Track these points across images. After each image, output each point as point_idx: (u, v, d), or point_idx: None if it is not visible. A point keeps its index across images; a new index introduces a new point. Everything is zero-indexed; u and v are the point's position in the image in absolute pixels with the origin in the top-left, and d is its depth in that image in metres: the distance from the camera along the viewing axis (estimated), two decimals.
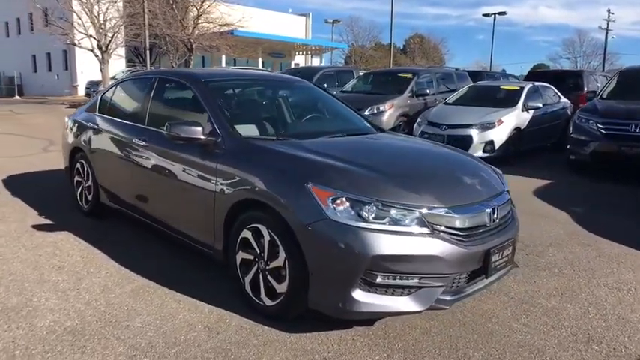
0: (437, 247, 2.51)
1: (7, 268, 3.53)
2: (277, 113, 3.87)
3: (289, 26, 42.64)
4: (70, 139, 4.98)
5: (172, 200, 3.57)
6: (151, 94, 3.97)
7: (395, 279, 2.50)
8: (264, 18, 39.50)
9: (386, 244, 2.44)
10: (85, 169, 4.70)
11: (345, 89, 11.66)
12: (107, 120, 4.40)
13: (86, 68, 30.40)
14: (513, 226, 2.98)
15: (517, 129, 8.62)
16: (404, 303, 2.53)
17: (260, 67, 33.74)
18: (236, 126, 3.32)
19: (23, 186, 6.15)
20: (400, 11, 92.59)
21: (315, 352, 2.55)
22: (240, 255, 2.97)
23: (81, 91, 29.96)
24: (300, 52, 43.32)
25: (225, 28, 23.65)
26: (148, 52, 21.53)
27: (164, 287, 3.26)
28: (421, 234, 2.52)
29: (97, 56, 21.31)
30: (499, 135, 8.29)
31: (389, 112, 10.02)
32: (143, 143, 3.75)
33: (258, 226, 2.81)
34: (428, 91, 10.75)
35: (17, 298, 3.07)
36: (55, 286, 3.27)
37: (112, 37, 21.10)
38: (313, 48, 42.83)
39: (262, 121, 3.56)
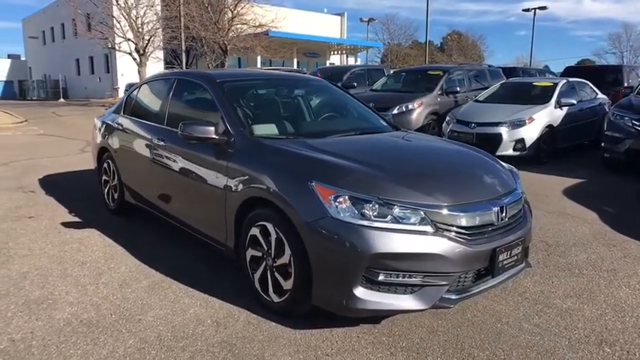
0: (440, 245, 2.49)
1: (33, 263, 3.72)
2: (291, 112, 3.90)
3: (324, 26, 42.75)
4: (98, 139, 5.18)
5: (188, 198, 3.67)
6: (170, 95, 4.09)
7: (397, 277, 2.49)
8: (299, 18, 39.79)
9: (388, 242, 2.44)
10: (111, 168, 4.89)
11: (374, 88, 11.62)
12: (130, 120, 4.56)
13: (126, 71, 31.44)
14: (524, 225, 2.91)
15: (550, 126, 8.35)
16: (407, 301, 2.52)
17: (295, 67, 34.01)
18: (249, 125, 3.38)
19: (57, 185, 6.44)
20: (439, 8, 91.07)
21: (318, 348, 2.57)
22: (250, 252, 3.02)
23: (121, 94, 31.05)
24: (336, 52, 43.36)
25: (259, 30, 23.92)
26: (184, 54, 22.04)
27: (179, 283, 3.36)
28: (424, 232, 2.49)
29: (134, 59, 22.02)
30: (530, 133, 8.06)
31: (418, 110, 9.91)
32: (162, 143, 3.87)
33: (265, 223, 2.86)
34: (458, 88, 10.54)
35: (40, 292, 3.23)
36: (77, 280, 3.42)
37: (148, 40, 21.73)
38: (348, 47, 42.76)
39: (275, 121, 3.60)
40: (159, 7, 23.25)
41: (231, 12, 22.81)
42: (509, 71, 13.70)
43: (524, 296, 3.21)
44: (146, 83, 4.72)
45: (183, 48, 21.91)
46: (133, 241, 4.21)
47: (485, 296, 3.16)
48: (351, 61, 43.23)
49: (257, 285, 2.99)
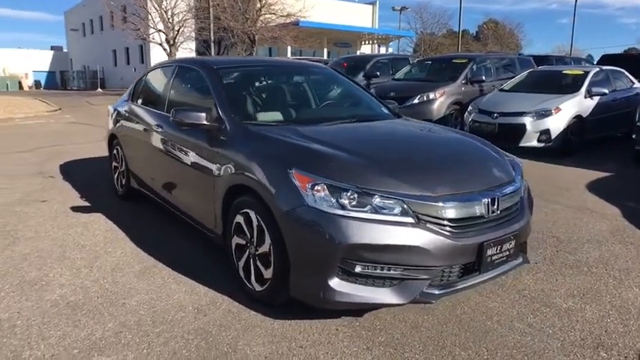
0: (421, 237, 2.37)
1: (36, 245, 3.80)
2: (287, 100, 3.82)
3: (355, 15, 42.30)
4: (109, 126, 5.26)
5: (182, 184, 3.66)
6: (171, 82, 4.09)
7: (375, 269, 2.40)
8: (330, 8, 39.46)
9: (365, 232, 2.34)
10: (120, 154, 4.95)
11: (397, 77, 11.38)
12: (135, 107, 4.59)
13: (160, 61, 32.02)
14: (520, 219, 2.75)
15: (578, 117, 7.97)
16: (385, 295, 2.42)
17: (325, 57, 33.80)
18: (241, 112, 3.33)
19: (75, 171, 6.60)
20: None
21: (293, 339, 2.51)
22: (235, 240, 2.99)
23: None
24: (366, 42, 42.85)
25: (287, 20, 23.84)
26: (212, 44, 22.24)
27: (170, 269, 3.36)
28: (404, 223, 2.38)
29: (165, 50, 22.37)
30: (556, 123, 7.71)
31: (440, 100, 9.65)
32: (160, 129, 3.88)
33: (248, 211, 2.81)
34: (484, 77, 10.19)
35: (36, 273, 3.29)
36: (73, 263, 3.47)
37: (178, 31, 22.02)
38: (379, 37, 42.19)
39: (269, 108, 3.54)
40: None
41: (260, 2, 22.79)
42: (541, 59, 13.15)
43: (523, 294, 3.05)
44: (151, 71, 4.73)
45: (212, 38, 22.11)
46: (135, 226, 4.25)
47: (479, 292, 3.03)
48: (382, 51, 42.63)
49: (241, 273, 2.95)
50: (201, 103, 3.61)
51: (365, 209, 2.39)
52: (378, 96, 10.54)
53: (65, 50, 52.71)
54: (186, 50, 29.41)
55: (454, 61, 11.00)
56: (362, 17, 43.26)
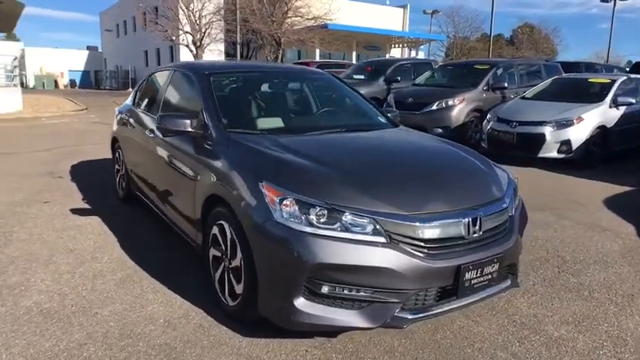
0: (392, 259, 2.24)
1: (26, 248, 3.82)
2: (276, 107, 3.72)
3: (386, 18, 42.00)
4: (113, 128, 5.28)
5: (169, 191, 3.61)
6: (166, 87, 4.05)
7: (343, 290, 2.27)
8: (360, 11, 39.33)
9: (333, 252, 2.22)
10: (120, 157, 4.95)
11: (417, 82, 11.16)
12: (134, 111, 4.59)
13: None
14: (507, 240, 2.56)
15: (602, 127, 7.62)
16: (353, 317, 2.29)
17: (354, 60, 33.64)
18: (227, 119, 3.25)
19: (85, 171, 6.68)
20: (512, 0, 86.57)
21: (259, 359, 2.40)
22: (212, 251, 2.91)
23: None
24: (396, 45, 42.48)
25: (312, 22, 23.80)
26: (238, 46, 22.39)
27: (152, 278, 3.31)
28: (375, 243, 2.25)
29: (191, 51, 22.66)
30: (578, 134, 7.38)
31: (459, 106, 9.39)
32: (152, 135, 3.84)
33: (223, 222, 2.72)
34: (506, 84, 9.88)
35: (18, 277, 3.29)
36: (57, 268, 3.46)
37: (204, 33, 22.27)
38: (409, 40, 41.74)
39: (255, 115, 3.45)
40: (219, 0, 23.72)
41: (286, 4, 22.86)
42: (570, 66, 12.70)
43: (512, 319, 2.86)
44: (152, 74, 4.72)
45: (238, 40, 22.25)
46: (129, 231, 4.23)
47: (466, 315, 2.86)
48: (413, 54, 42.17)
49: (217, 286, 2.87)
50: (191, 108, 3.55)
51: (334, 227, 2.26)
52: (395, 101, 10.44)
53: (100, 50, 54.16)
54: (215, 52, 29.77)
55: (476, 66, 10.71)
56: (393, 20, 42.93)
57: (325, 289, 2.27)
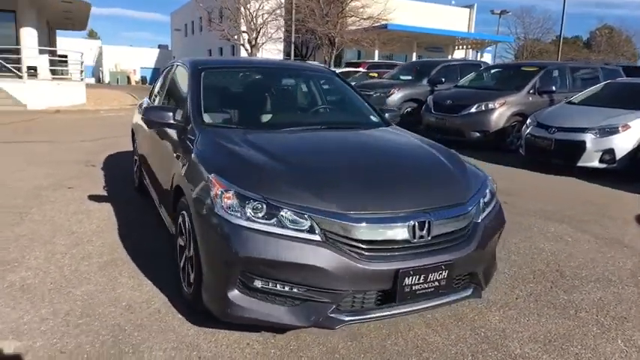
0: (326, 258, 2.19)
1: (34, 228, 4.09)
2: (259, 103, 3.73)
3: (450, 19, 40.91)
4: (133, 121, 5.53)
5: (158, 181, 3.74)
6: (168, 80, 4.20)
7: (276, 286, 2.26)
8: (422, 10, 38.61)
9: (267, 247, 2.21)
10: (135, 148, 5.19)
11: (460, 84, 10.81)
12: (144, 104, 4.78)
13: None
14: (462, 248, 2.43)
15: None
16: (285, 314, 2.27)
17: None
18: (209, 112, 3.32)
19: (118, 161, 7.04)
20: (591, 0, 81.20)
21: (197, 349, 2.44)
22: (179, 240, 2.98)
23: None
24: (460, 47, 41.29)
25: (368, 23, 23.64)
26: (292, 46, 22.71)
27: (133, 264, 3.44)
28: (310, 241, 2.22)
29: (246, 50, 23.25)
30: (623, 143, 6.84)
31: (499, 110, 9.03)
32: (148, 127, 3.99)
33: (184, 212, 2.78)
34: (554, 87, 9.34)
35: (16, 254, 3.53)
36: (53, 248, 3.68)
37: (258, 32, 22.78)
38: (473, 41, 40.43)
39: (235, 110, 3.49)
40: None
41: (342, 4, 22.86)
42: (633, 70, 11.77)
43: (477, 331, 2.71)
44: (164, 69, 4.90)
45: (293, 40, 22.56)
46: (133, 220, 4.41)
47: (428, 323, 2.75)
48: (477, 56, 40.79)
49: (180, 274, 2.93)
50: (181, 101, 3.65)
51: (270, 222, 2.25)
52: (434, 103, 10.16)
53: (169, 49, 56.86)
54: (275, 51, 30.39)
55: (523, 69, 10.23)
56: (458, 21, 41.73)
57: (258, 284, 2.26)
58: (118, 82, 47.77)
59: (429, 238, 2.34)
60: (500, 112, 9.00)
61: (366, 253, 2.23)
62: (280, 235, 2.22)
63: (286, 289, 2.25)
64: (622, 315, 2.97)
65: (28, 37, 15.83)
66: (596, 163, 6.95)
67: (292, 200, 2.28)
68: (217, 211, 2.33)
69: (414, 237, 2.31)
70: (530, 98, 9.28)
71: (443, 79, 11.69)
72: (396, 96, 11.58)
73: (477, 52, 41.54)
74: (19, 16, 15.97)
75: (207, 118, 3.27)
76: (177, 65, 4.18)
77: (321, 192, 2.33)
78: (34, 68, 15.17)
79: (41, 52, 16.33)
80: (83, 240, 3.87)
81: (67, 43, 37.33)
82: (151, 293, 3.00)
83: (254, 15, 22.75)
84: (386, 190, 2.45)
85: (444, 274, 2.35)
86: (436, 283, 2.35)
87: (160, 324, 2.65)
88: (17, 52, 14.86)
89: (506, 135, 9.17)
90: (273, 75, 4.14)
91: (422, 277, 2.29)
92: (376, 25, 27.26)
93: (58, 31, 25.86)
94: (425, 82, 11.89)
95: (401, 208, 2.34)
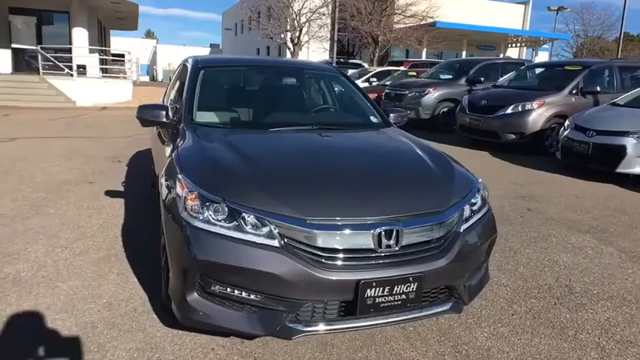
0: (283, 265, 2.10)
1: (45, 221, 4.23)
2: (254, 102, 3.66)
3: (503, 15, 39.44)
4: None
5: (157, 180, 3.77)
6: (176, 78, 4.23)
7: (233, 292, 2.19)
8: (473, 7, 37.39)
9: (223, 251, 2.15)
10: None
11: (498, 83, 10.35)
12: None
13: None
14: (435, 259, 2.26)
15: None
16: (241, 321, 2.20)
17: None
18: (201, 110, 3.31)
19: (144, 158, 7.20)
20: None
21: (161, 351, 2.41)
22: (162, 240, 2.96)
23: None
24: (513, 44, 39.74)
25: (413, 21, 23.14)
26: (334, 44, 22.63)
27: (126, 261, 3.47)
28: (268, 247, 2.13)
29: (288, 48, 23.38)
30: None
31: (537, 111, 8.57)
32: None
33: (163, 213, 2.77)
34: (599, 88, 8.75)
35: (19, 246, 3.66)
36: (56, 242, 3.79)
37: (300, 31, 22.84)
38: (527, 39, 38.80)
39: (225, 109, 3.46)
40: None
41: (385, 2, 22.52)
42: None
43: (458, 349, 2.53)
44: (177, 67, 4.95)
45: (335, 38, 22.47)
46: (143, 217, 4.46)
47: (408, 336, 2.61)
48: (530, 54, 39.17)
49: (162, 274, 2.92)
50: (180, 99, 3.66)
51: (229, 226, 2.19)
52: (469, 103, 9.78)
53: (220, 48, 58.17)
54: (321, 50, 30.39)
55: (567, 67, 9.66)
56: (512, 18, 40.16)
57: (216, 289, 2.20)
58: (170, 81, 49.37)
59: (397, 248, 2.20)
60: (538, 114, 8.54)
61: (326, 262, 2.12)
62: (238, 239, 2.15)
63: (244, 295, 2.18)
64: (628, 339, 2.70)
65: (79, 36, 16.63)
66: (637, 170, 6.44)
67: (253, 204, 2.21)
68: (181, 212, 2.29)
69: (380, 246, 2.17)
70: (573, 99, 8.75)
71: (482, 79, 11.26)
72: (432, 96, 11.27)
73: (533, 50, 39.88)
74: (72, 17, 16.80)
75: (199, 116, 3.25)
76: (185, 63, 4.20)
77: (284, 196, 2.24)
78: (84, 66, 15.89)
79: (91, 51, 17.10)
80: (86, 235, 3.96)
81: (125, 42, 39.11)
82: (133, 292, 3.02)
83: (298, 13, 22.84)
84: (354, 196, 2.33)
85: (412, 286, 2.20)
86: (403, 297, 2.20)
87: (132, 323, 2.65)
88: (69, 51, 15.62)
89: (545, 138, 8.69)
90: (274, 74, 4.07)
91: (386, 290, 2.15)
92: (424, 22, 26.70)
93: (112, 31, 27.02)
94: (462, 81, 11.49)
95: (367, 216, 2.21)
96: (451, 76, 12.35)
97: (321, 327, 2.20)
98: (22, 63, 16.73)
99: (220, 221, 2.20)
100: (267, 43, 37.29)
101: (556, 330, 2.76)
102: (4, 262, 3.39)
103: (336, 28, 22.33)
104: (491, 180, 6.60)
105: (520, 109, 8.63)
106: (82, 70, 15.66)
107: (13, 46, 16.75)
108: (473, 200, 2.58)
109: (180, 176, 2.43)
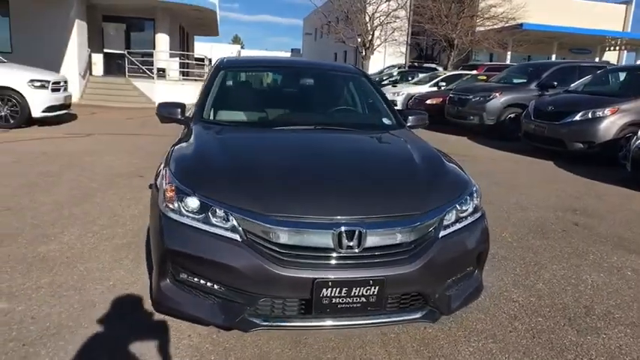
0: (242, 258, 2.15)
1: (88, 209, 4.60)
2: (267, 101, 3.73)
3: (601, 16, 36.53)
4: None
5: None
6: (207, 78, 4.43)
7: (199, 281, 2.27)
8: (565, 7, 35.05)
9: (188, 241, 2.24)
10: None
11: (570, 88, 9.64)
12: None
13: (374, 65, 33.41)
14: (399, 265, 2.18)
15: None
16: (205, 311, 2.27)
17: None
18: (214, 109, 3.46)
19: None
20: None
21: (128, 342, 2.49)
22: None
23: None
24: (612, 47, 36.69)
25: (495, 23, 22.15)
26: (407, 48, 22.29)
27: (146, 248, 3.68)
28: (229, 240, 2.19)
29: (359, 52, 23.36)
30: None
31: (610, 119, 7.89)
32: None
33: None
34: None
35: (58, 229, 4.01)
36: (90, 227, 4.11)
37: (372, 34, 22.71)
38: (628, 41, 35.64)
39: (234, 108, 3.56)
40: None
41: (463, 5, 21.79)
42: None
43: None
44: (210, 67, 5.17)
45: (408, 41, 22.12)
46: None
47: (386, 342, 2.55)
48: (631, 59, 36.00)
49: None
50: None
51: (198, 217, 2.27)
52: (535, 109, 9.23)
53: (301, 53, 59.49)
54: (398, 54, 30.07)
55: None
56: (610, 19, 37.10)
57: (183, 276, 2.30)
58: None
59: (358, 249, 2.16)
60: (610, 121, 7.85)
61: (284, 259, 2.13)
62: (204, 231, 2.23)
63: (208, 285, 2.25)
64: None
65: (161, 42, 17.87)
66: None
67: (221, 198, 2.27)
68: (159, 203, 2.42)
69: (341, 247, 2.15)
70: None
71: (555, 83, 10.53)
72: (498, 101, 10.75)
73: (635, 53, 36.61)
74: (157, 24, 18.08)
75: (209, 115, 3.39)
76: (215, 65, 4.39)
77: (249, 192, 2.29)
78: (164, 70, 17.04)
79: (172, 55, 18.28)
80: (119, 223, 4.26)
81: (216, 48, 41.55)
82: (138, 277, 3.20)
83: (371, 16, 22.81)
84: (320, 195, 2.32)
85: (372, 290, 2.14)
86: (363, 299, 2.15)
87: (110, 320, 2.68)
88: (152, 55, 16.84)
89: (619, 148, 7.96)
90: (292, 75, 4.12)
91: (344, 291, 2.12)
92: (508, 25, 25.49)
93: (196, 37, 28.71)
94: (533, 85, 10.83)
95: (330, 215, 2.19)
96: (524, 80, 11.69)
97: (279, 322, 2.22)
98: (113, 66, 18.27)
99: (191, 213, 2.29)
100: (344, 48, 37.56)
101: (553, 352, 2.55)
102: (41, 242, 3.74)
103: (409, 32, 22.02)
104: (544, 191, 6.18)
105: (590, 115, 7.99)
106: (161, 73, 16.79)
107: (105, 50, 18.35)
108: (462, 206, 2.46)
109: (164, 169, 2.57)
